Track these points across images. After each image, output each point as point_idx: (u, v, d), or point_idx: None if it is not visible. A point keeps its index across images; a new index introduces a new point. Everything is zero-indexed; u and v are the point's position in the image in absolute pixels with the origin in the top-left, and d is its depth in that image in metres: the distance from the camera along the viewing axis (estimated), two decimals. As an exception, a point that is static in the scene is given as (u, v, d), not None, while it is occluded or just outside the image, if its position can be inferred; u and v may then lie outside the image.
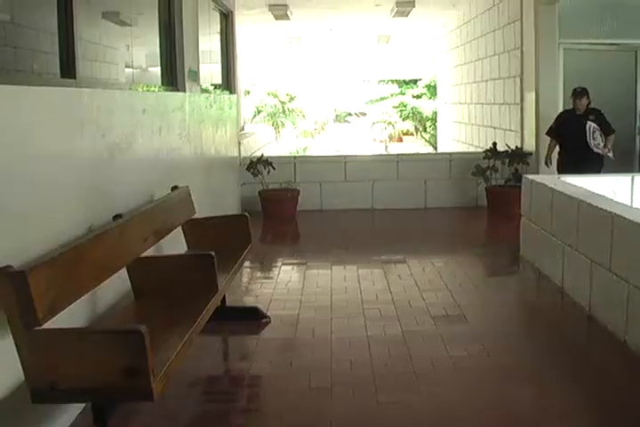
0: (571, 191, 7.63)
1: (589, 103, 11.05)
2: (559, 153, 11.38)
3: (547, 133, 11.62)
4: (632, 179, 8.89)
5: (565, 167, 11.00)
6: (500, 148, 12.70)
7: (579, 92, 11.02)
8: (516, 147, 12.63)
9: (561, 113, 11.65)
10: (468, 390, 5.34)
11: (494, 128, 15.32)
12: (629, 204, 8.23)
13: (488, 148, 12.89)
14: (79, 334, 3.94)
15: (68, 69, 5.25)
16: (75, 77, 5.29)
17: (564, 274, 7.58)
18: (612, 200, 7.18)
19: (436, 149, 28.02)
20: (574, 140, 10.94)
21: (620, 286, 6.10)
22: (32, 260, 3.98)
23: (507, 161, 12.48)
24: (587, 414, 5.00)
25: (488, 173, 12.52)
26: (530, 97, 12.60)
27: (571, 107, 11.27)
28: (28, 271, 3.69)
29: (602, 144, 10.88)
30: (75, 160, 5.01)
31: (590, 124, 10.85)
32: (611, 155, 10.98)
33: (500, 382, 5.48)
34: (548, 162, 11.49)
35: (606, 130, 10.97)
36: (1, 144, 3.93)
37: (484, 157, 12.62)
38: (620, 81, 12.51)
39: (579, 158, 10.82)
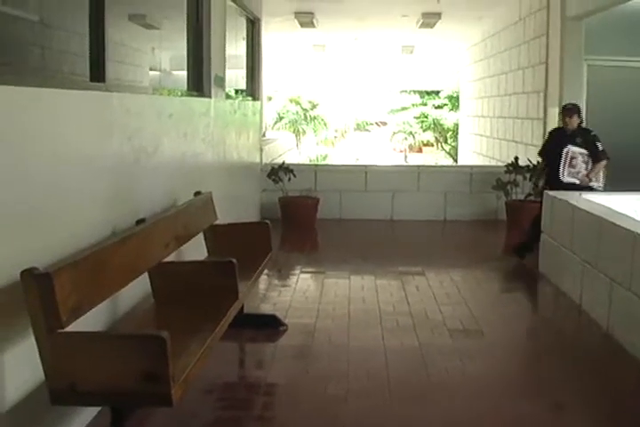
0: (592, 209, 7.62)
1: (581, 122, 9.71)
2: (547, 174, 10.12)
3: (538, 153, 10.72)
4: (654, 198, 8.86)
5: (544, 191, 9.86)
6: (522, 162, 12.68)
7: (569, 109, 9.68)
8: (538, 162, 12.59)
9: (551, 131, 10.42)
10: (483, 403, 5.34)
11: (516, 142, 15.31)
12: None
13: (510, 162, 12.86)
14: (101, 338, 3.97)
15: (97, 73, 5.28)
16: (104, 81, 5.31)
17: (582, 291, 7.56)
18: (633, 219, 7.16)
19: (456, 160, 28.00)
20: (553, 163, 9.60)
21: (639, 305, 6.08)
22: (55, 262, 4.00)
23: (528, 176, 12.45)
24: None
25: (509, 187, 12.50)
26: (553, 112, 12.57)
27: (561, 124, 9.97)
28: (53, 273, 3.70)
29: (583, 172, 9.42)
30: (101, 163, 5.03)
31: (569, 148, 9.39)
32: (596, 185, 9.54)
33: (513, 397, 5.48)
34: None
35: (594, 155, 9.44)
36: (28, 146, 3.96)
37: (506, 172, 12.60)
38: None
39: (553, 186, 9.53)
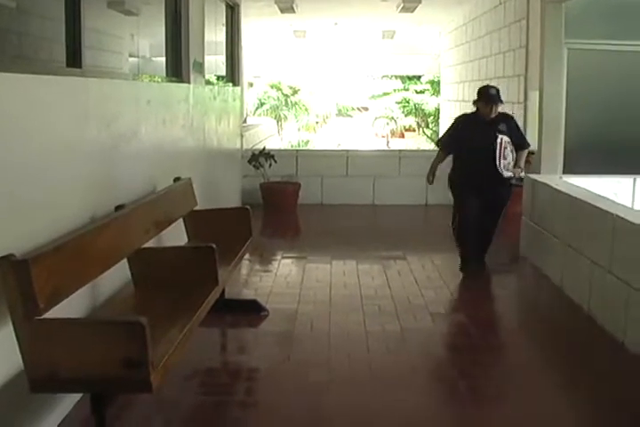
0: (573, 192, 7.63)
1: None
2: (452, 169, 8.53)
3: (437, 143, 9.14)
4: (634, 180, 8.90)
5: (458, 189, 8.48)
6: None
7: (493, 96, 8.12)
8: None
9: (460, 117, 8.80)
10: (466, 387, 5.35)
11: (497, 126, 15.27)
12: (630, 205, 8.24)
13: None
14: (80, 325, 3.96)
15: (73, 59, 5.24)
16: (80, 67, 5.28)
17: (563, 274, 7.59)
18: (614, 202, 7.18)
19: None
20: (479, 157, 8.08)
21: (619, 287, 6.11)
22: (33, 249, 3.98)
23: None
24: (581, 413, 5.01)
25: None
26: (533, 96, 12.57)
27: (472, 110, 8.54)
28: (31, 260, 3.69)
29: (512, 163, 8.14)
30: (79, 150, 5.01)
31: (502, 138, 8.02)
32: (523, 175, 8.80)
33: (497, 381, 5.50)
34: (430, 178, 8.62)
35: (519, 144, 8.28)
36: (4, 133, 3.93)
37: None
38: (625, 83, 12.46)
39: (481, 182, 8.19)
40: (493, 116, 8.11)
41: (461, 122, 8.58)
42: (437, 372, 5.67)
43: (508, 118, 8.38)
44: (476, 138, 8.14)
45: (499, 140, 8.00)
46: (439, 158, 8.61)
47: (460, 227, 8.46)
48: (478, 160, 8.09)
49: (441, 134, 9.17)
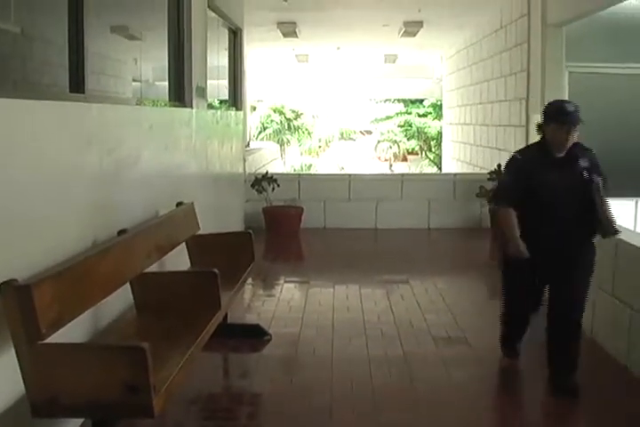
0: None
1: None
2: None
3: (493, 201, 6.54)
4: (636, 203, 8.89)
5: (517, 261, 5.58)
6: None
7: (572, 114, 5.53)
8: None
9: (520, 156, 5.81)
10: (468, 411, 5.33)
11: (499, 150, 15.31)
12: (632, 228, 8.23)
13: (493, 169, 12.86)
14: (81, 350, 3.95)
15: (77, 84, 5.25)
16: (84, 92, 5.30)
17: (566, 298, 7.56)
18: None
19: (440, 168, 28.05)
20: (561, 210, 5.49)
21: (622, 311, 6.09)
22: (36, 274, 3.98)
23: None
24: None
25: (492, 194, 12.48)
26: (535, 119, 12.53)
27: (534, 142, 6.01)
28: (33, 285, 3.69)
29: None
30: (81, 175, 5.01)
31: (597, 181, 5.48)
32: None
33: (499, 405, 5.48)
34: (522, 249, 5.50)
35: (604, 184, 5.56)
36: (8, 158, 3.94)
37: (489, 179, 12.59)
38: (626, 105, 12.49)
39: (562, 246, 5.55)
40: (569, 145, 5.60)
41: (525, 162, 5.69)
42: (440, 396, 5.63)
43: (586, 151, 5.79)
44: (550, 183, 5.53)
45: (594, 186, 5.50)
46: (509, 217, 5.62)
47: (511, 307, 6.26)
48: (560, 214, 5.51)
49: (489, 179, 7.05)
